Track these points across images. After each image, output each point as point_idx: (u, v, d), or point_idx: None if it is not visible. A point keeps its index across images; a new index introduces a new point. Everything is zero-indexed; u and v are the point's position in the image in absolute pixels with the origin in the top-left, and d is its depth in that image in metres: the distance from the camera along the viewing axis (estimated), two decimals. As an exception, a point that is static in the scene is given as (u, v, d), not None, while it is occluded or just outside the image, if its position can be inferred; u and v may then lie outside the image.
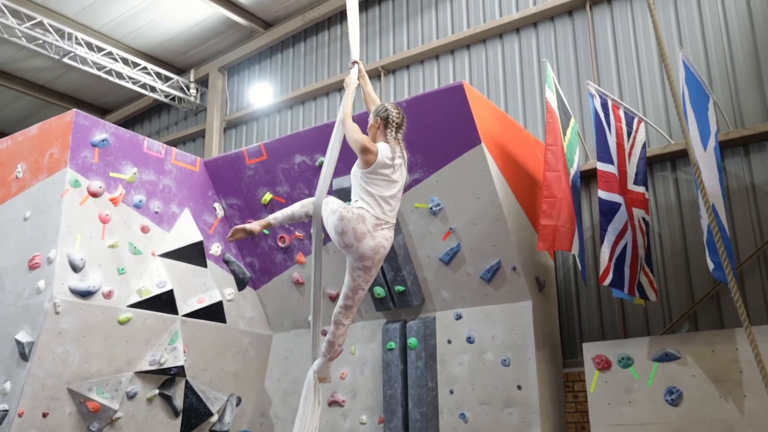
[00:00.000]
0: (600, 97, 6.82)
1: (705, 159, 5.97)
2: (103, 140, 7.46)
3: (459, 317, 7.47)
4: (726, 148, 7.30)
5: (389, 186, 4.83)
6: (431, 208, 7.31)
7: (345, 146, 5.17)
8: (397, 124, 4.97)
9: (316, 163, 7.80)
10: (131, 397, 7.35)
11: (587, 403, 6.78)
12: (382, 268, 7.64)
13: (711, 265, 5.75)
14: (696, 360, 6.27)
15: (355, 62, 5.51)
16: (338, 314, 5.08)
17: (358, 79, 5.45)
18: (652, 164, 7.68)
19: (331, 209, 4.90)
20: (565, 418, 7.44)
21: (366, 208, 4.77)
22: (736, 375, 6.07)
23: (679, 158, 7.68)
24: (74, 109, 7.37)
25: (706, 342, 6.31)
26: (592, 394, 6.69)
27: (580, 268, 6.76)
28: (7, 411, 6.59)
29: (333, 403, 8.06)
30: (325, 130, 7.77)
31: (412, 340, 7.52)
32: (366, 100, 5.49)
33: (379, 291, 7.72)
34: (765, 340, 5.74)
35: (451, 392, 7.30)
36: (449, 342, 7.46)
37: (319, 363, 5.20)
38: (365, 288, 5.00)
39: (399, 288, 7.58)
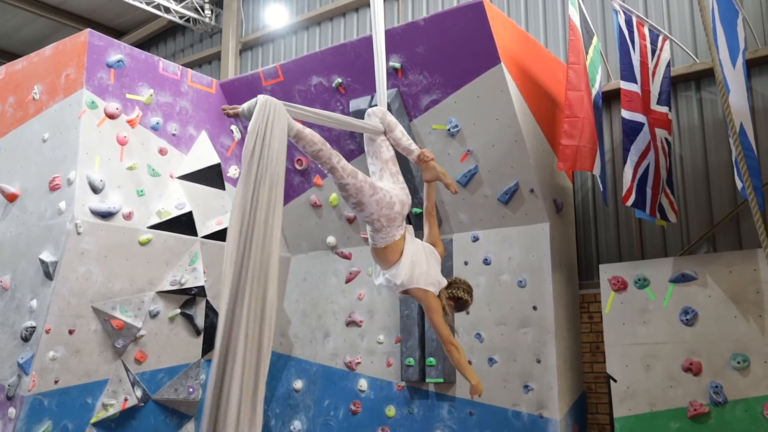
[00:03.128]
0: (624, 13, 6.62)
1: (733, 76, 5.81)
2: (118, 61, 7.39)
3: (476, 239, 7.49)
4: (753, 66, 7.10)
5: None
6: (449, 130, 7.24)
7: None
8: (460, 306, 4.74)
9: (333, 85, 7.70)
10: (154, 315, 7.52)
11: (602, 323, 6.85)
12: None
13: (740, 185, 5.67)
14: (713, 281, 6.28)
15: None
16: (357, 178, 4.34)
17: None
18: (675, 84, 7.50)
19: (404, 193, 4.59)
20: (580, 339, 7.54)
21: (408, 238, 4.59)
22: (752, 295, 6.09)
23: (704, 78, 7.49)
24: (88, 29, 7.29)
25: (724, 263, 6.30)
26: (608, 315, 6.75)
27: (601, 189, 6.71)
28: (34, 327, 6.79)
29: (351, 323, 8.21)
30: (342, 50, 7.66)
31: (429, 262, 7.57)
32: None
33: (397, 213, 7.73)
34: (784, 261, 5.72)
35: (467, 313, 7.33)
36: (466, 264, 7.50)
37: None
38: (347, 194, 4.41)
39: (416, 210, 7.58)
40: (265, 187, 3.88)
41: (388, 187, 4.52)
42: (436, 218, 4.74)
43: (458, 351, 4.50)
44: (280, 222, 3.93)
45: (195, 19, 12.19)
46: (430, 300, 4.50)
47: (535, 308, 7.03)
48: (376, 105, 7.41)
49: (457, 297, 4.57)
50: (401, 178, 4.67)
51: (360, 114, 7.44)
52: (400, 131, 4.79)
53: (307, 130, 4.21)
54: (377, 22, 5.16)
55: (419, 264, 4.50)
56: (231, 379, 3.59)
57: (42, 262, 6.90)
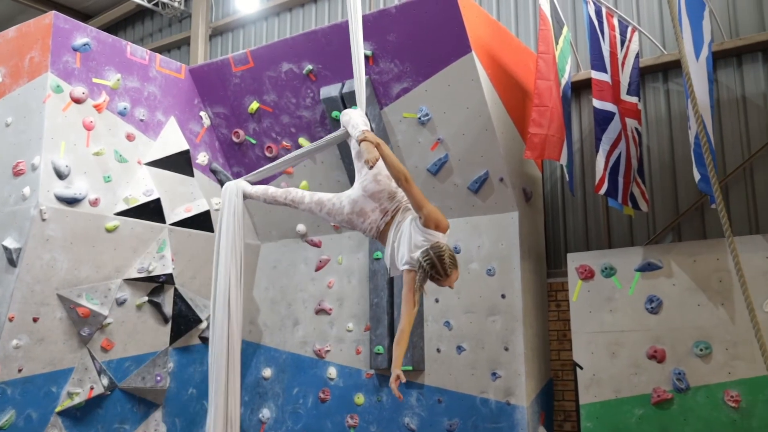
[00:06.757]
0: (594, 4, 6.67)
1: (696, 69, 5.89)
2: (84, 44, 7.25)
3: (446, 228, 7.51)
4: (719, 58, 7.21)
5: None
6: (420, 118, 7.24)
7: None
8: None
9: (304, 71, 7.65)
10: (121, 303, 7.44)
11: (569, 311, 6.93)
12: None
13: (697, 176, 5.78)
14: (677, 270, 6.38)
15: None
16: (303, 202, 5.18)
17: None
18: (644, 75, 7.59)
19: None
20: (548, 326, 7.62)
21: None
22: (716, 284, 6.21)
23: (671, 69, 7.58)
24: (53, 11, 7.14)
25: (689, 252, 6.41)
26: (575, 303, 6.83)
27: (567, 179, 6.77)
28: (-3, 315, 6.67)
29: (320, 311, 8.20)
30: (313, 37, 7.61)
31: (399, 250, 7.58)
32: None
33: (367, 201, 7.72)
34: (746, 250, 5.85)
35: (437, 301, 7.43)
36: (436, 252, 7.52)
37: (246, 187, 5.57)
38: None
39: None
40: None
41: (340, 194, 4.97)
42: (405, 185, 4.52)
43: (400, 342, 4.48)
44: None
45: (164, 3, 12.01)
46: (404, 276, 4.51)
47: (503, 296, 7.08)
48: (345, 92, 7.43)
49: (420, 265, 4.35)
50: (364, 171, 4.81)
51: (330, 101, 7.44)
52: (351, 126, 4.96)
53: (254, 191, 5.50)
54: (354, 12, 5.44)
55: (399, 249, 4.54)
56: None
57: (5, 248, 6.77)
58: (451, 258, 4.32)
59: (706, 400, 6.11)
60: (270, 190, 5.43)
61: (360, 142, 4.69)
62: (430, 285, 4.46)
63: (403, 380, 4.37)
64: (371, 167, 4.55)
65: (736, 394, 5.98)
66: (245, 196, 5.49)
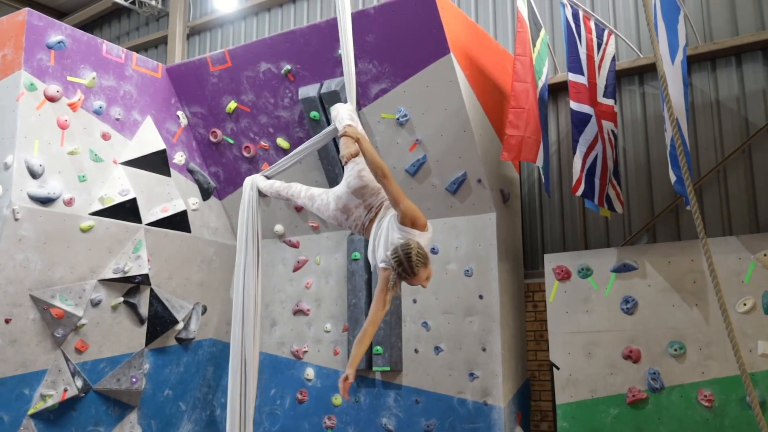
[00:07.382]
0: (571, 7, 6.73)
1: (672, 72, 5.95)
2: (59, 42, 7.16)
3: (424, 228, 7.52)
4: (693, 62, 7.30)
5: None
6: (398, 119, 7.24)
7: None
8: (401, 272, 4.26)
9: (282, 71, 7.62)
10: (96, 304, 7.35)
11: (546, 312, 6.98)
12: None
13: (673, 178, 5.84)
14: (652, 271, 6.45)
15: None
16: (299, 197, 5.32)
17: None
18: (620, 78, 7.66)
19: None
20: (525, 327, 7.66)
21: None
22: (690, 285, 6.28)
23: (647, 72, 7.66)
24: (27, 8, 7.04)
25: (663, 253, 6.48)
26: (552, 304, 6.87)
27: (543, 180, 6.81)
28: (-32, 316, 6.57)
29: (298, 312, 8.18)
30: (292, 37, 7.59)
31: (377, 251, 7.58)
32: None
33: (345, 202, 7.71)
34: (719, 251, 5.92)
35: (414, 301, 7.44)
36: (414, 253, 7.53)
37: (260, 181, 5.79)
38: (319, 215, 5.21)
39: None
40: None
41: (328, 189, 5.06)
42: (383, 180, 4.42)
43: (362, 342, 4.41)
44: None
45: (141, 2, 11.90)
46: (380, 274, 4.45)
47: (481, 297, 7.11)
48: (323, 92, 7.42)
49: (391, 264, 4.26)
50: (349, 166, 4.81)
51: (308, 101, 7.42)
52: (337, 121, 5.06)
53: (264, 185, 5.71)
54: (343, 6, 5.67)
55: (379, 246, 4.52)
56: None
57: (-23, 248, 6.67)
58: (419, 257, 4.18)
59: (680, 399, 6.18)
60: (276, 184, 5.61)
61: (341, 137, 4.70)
62: (406, 286, 4.46)
63: (351, 380, 4.28)
64: (345, 163, 4.61)
65: (710, 394, 6.06)
66: (259, 191, 5.74)
